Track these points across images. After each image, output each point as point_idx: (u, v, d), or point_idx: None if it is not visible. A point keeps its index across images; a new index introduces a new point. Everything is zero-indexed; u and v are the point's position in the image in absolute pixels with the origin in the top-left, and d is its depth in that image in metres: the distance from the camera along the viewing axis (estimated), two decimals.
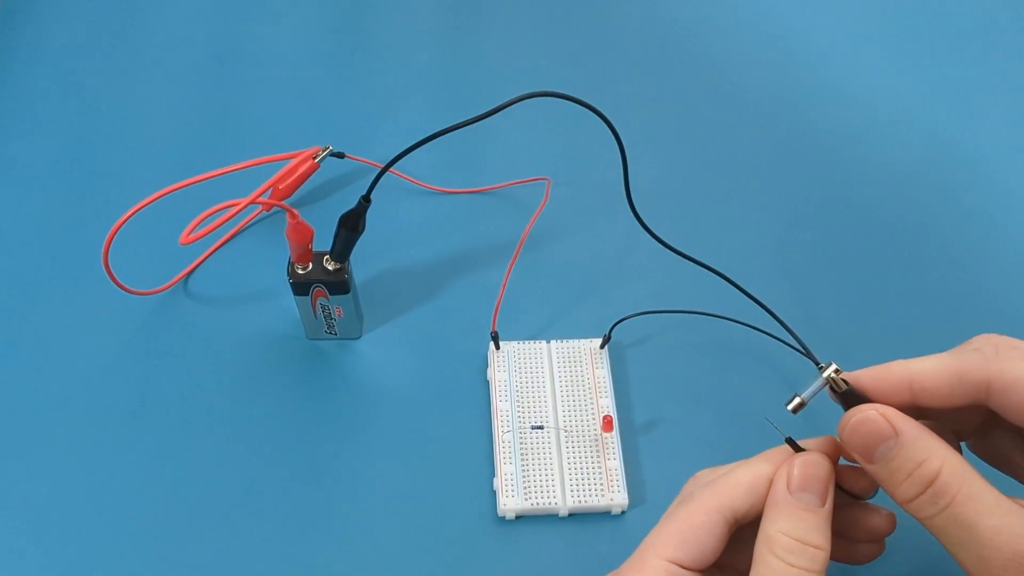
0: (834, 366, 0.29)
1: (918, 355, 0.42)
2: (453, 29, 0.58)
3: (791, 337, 0.33)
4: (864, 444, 0.28)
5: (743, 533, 0.29)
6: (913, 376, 0.28)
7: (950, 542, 0.26)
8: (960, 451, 0.31)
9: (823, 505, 0.28)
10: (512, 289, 0.44)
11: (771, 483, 0.29)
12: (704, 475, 0.32)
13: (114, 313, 0.44)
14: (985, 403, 0.28)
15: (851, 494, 0.30)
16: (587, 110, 0.34)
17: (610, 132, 0.35)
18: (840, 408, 0.29)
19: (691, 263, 0.40)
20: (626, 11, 0.59)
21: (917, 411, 0.29)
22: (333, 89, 0.54)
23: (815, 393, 0.29)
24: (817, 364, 0.29)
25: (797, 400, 0.30)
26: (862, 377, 0.29)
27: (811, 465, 0.28)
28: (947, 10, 0.60)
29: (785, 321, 0.34)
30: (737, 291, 0.44)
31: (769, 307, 0.35)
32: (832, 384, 0.29)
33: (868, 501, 0.31)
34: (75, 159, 0.50)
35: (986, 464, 0.32)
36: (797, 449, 0.29)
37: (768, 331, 0.41)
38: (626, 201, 0.37)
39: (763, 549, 0.27)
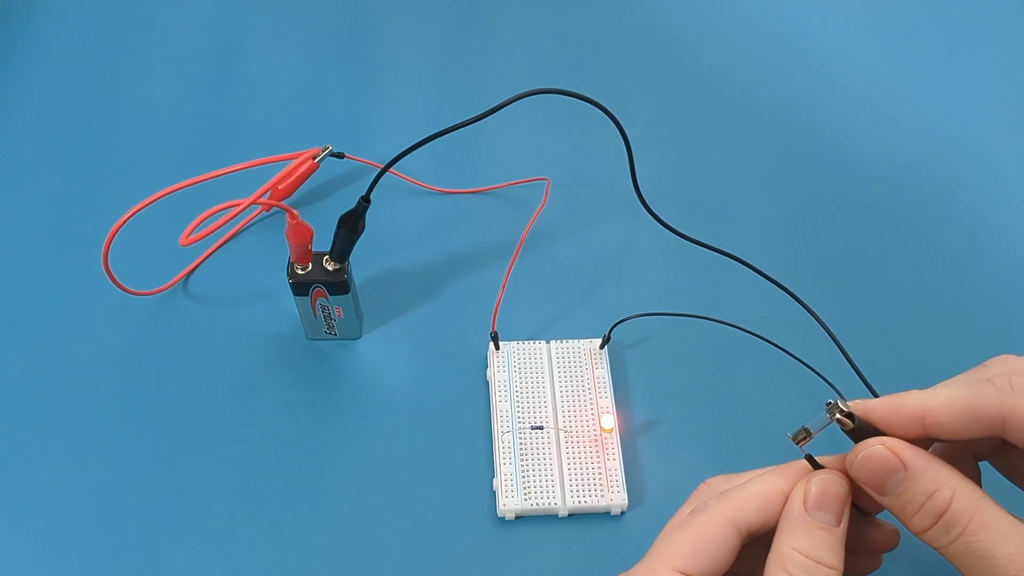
0: (840, 404, 0.28)
1: (917, 353, 0.44)
2: (453, 29, 0.58)
3: (788, 343, 0.33)
4: (873, 478, 0.27)
5: (750, 543, 0.29)
6: (926, 411, 0.28)
7: (966, 569, 0.26)
8: (979, 470, 0.31)
9: (838, 525, 0.28)
10: (512, 289, 0.44)
11: (787, 499, 0.28)
12: (717, 483, 0.32)
13: (114, 313, 0.44)
14: (1000, 436, 0.27)
15: (862, 511, 0.30)
16: (587, 109, 0.34)
17: (610, 132, 0.35)
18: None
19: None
20: (625, 11, 0.59)
21: (929, 440, 0.28)
22: (333, 89, 0.54)
23: (821, 428, 0.29)
24: (826, 400, 0.29)
25: (803, 434, 0.29)
26: (873, 410, 0.28)
27: (829, 484, 0.28)
28: (949, 10, 0.60)
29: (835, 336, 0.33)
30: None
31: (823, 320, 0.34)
32: (839, 424, 0.28)
33: (875, 516, 0.31)
34: (75, 159, 0.50)
35: (1008, 480, 0.32)
36: (816, 466, 0.29)
37: (767, 338, 0.41)
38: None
39: (775, 565, 0.27)
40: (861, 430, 0.28)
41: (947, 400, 0.27)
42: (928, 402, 0.28)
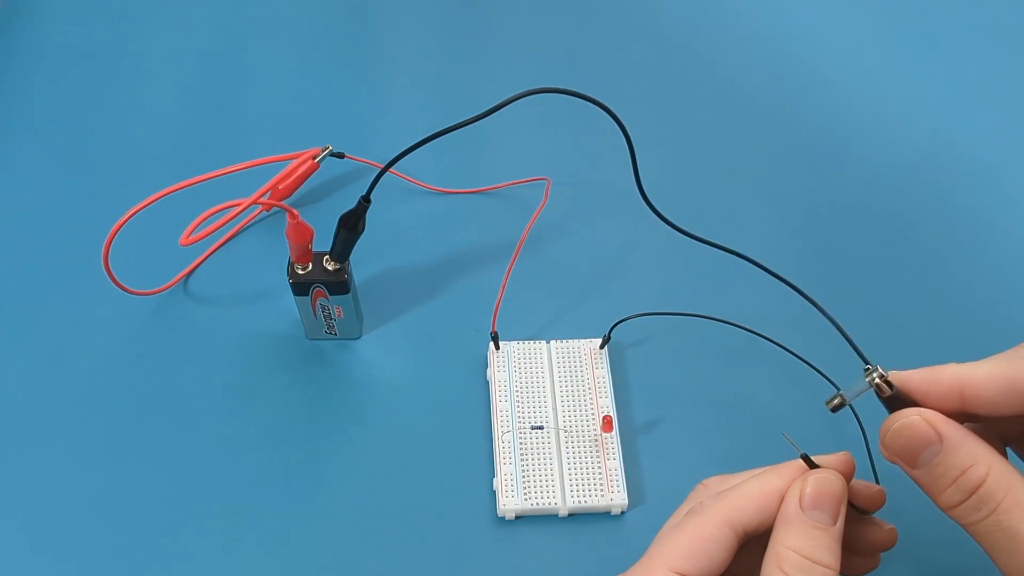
0: (879, 369, 0.28)
1: (914, 350, 0.43)
2: (453, 29, 0.58)
3: (789, 341, 0.33)
4: (906, 449, 0.27)
5: (747, 542, 0.29)
6: (965, 382, 0.27)
7: (993, 548, 0.26)
8: (1005, 455, 0.30)
9: (834, 524, 0.28)
10: (512, 289, 0.44)
11: (783, 498, 0.28)
12: (713, 483, 0.32)
13: (114, 313, 0.44)
14: None
15: (859, 509, 0.30)
16: (588, 109, 0.34)
17: (610, 132, 0.35)
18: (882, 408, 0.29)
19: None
20: (626, 10, 0.59)
21: (963, 416, 0.28)
22: (333, 89, 0.54)
23: (859, 395, 0.28)
24: (864, 365, 0.28)
25: (838, 400, 0.29)
26: (911, 380, 0.28)
27: (825, 483, 0.28)
28: (950, 9, 0.60)
29: (833, 317, 0.33)
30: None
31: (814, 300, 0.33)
32: (877, 389, 0.28)
33: (872, 515, 0.31)
34: (75, 159, 0.50)
35: None
36: (812, 466, 0.29)
37: (768, 336, 0.41)
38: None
39: (771, 565, 0.27)
40: (897, 399, 0.28)
41: (988, 372, 0.27)
42: (967, 374, 0.27)
